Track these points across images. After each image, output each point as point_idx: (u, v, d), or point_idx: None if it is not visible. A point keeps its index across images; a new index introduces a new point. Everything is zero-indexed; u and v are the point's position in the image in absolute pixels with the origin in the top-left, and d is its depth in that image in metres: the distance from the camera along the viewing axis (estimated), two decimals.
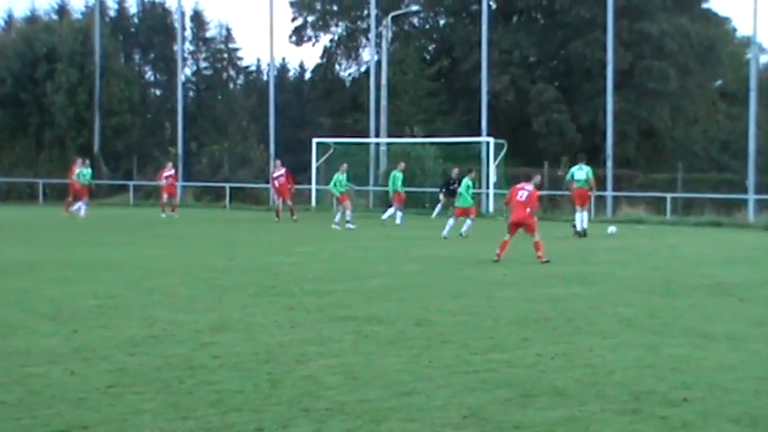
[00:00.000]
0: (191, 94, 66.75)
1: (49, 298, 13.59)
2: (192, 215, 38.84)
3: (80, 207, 36.98)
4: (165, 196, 39.55)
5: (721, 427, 7.11)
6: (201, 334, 10.79)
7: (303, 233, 29.85)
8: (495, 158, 42.37)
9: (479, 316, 12.42)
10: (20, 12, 73.50)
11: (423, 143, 47.16)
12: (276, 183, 36.93)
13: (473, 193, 29.47)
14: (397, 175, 35.56)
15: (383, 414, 7.32)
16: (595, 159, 49.21)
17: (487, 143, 43.32)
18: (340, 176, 33.50)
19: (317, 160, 46.72)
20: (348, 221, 32.21)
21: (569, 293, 14.92)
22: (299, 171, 47.04)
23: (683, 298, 14.57)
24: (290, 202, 36.93)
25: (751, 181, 39.15)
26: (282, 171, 36.99)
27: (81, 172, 38.15)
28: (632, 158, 55.73)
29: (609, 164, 42.86)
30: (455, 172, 37.40)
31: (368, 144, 48.92)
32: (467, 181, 29.02)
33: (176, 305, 13.03)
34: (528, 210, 20.29)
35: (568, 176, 30.39)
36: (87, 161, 39.84)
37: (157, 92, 70.48)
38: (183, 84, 59.05)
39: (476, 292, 14.99)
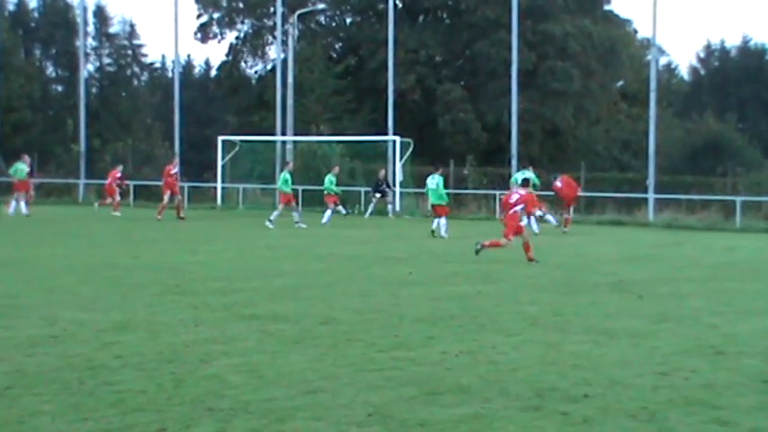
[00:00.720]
0: (94, 90, 65.73)
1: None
2: (95, 213, 38.17)
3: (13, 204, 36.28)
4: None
5: (620, 422, 7.25)
6: (104, 333, 10.62)
7: (209, 232, 29.59)
8: (402, 157, 42.57)
9: (385, 314, 12.46)
10: None
11: (329, 141, 47.16)
12: (171, 179, 36.22)
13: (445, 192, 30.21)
14: (332, 179, 34.86)
15: (288, 413, 7.30)
16: (500, 159, 49.94)
17: (394, 142, 43.51)
18: (287, 175, 33.18)
19: (223, 158, 46.34)
20: (298, 221, 31.80)
21: (474, 291, 15.07)
22: (204, 169, 46.67)
23: (585, 295, 14.83)
24: (179, 198, 36.76)
25: (651, 180, 40.03)
26: (177, 169, 36.96)
27: (17, 167, 37.40)
28: (537, 157, 56.47)
29: (513, 163, 43.37)
30: (382, 173, 37.50)
31: (274, 142, 48.71)
32: (440, 179, 29.41)
33: (78, 304, 12.81)
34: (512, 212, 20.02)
35: (513, 180, 30.55)
36: (26, 156, 38.55)
37: (59, 88, 69.23)
38: (86, 80, 58.11)
39: (382, 290, 15.04)
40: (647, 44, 63.77)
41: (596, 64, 59.17)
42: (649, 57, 50.73)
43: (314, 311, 12.55)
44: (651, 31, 64.26)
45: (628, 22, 66.63)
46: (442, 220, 28.65)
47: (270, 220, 31.53)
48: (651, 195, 39.79)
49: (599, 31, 58.84)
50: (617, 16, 64.35)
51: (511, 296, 14.58)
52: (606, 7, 63.54)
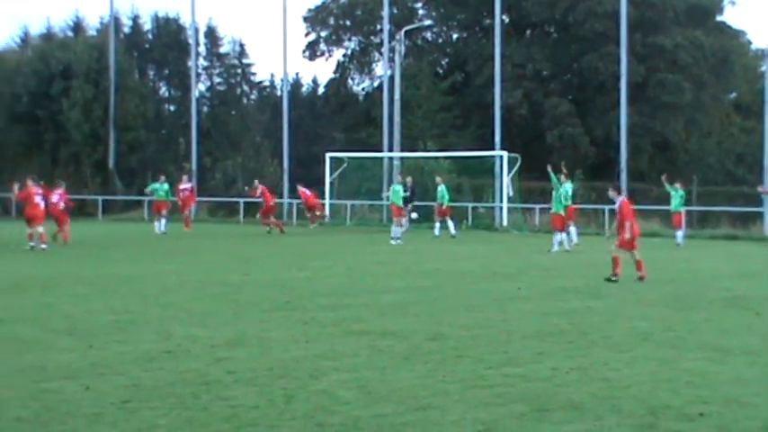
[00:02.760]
0: (205, 109, 66.93)
1: (65, 314, 13.63)
2: (206, 230, 38.89)
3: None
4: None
5: None
6: (216, 349, 10.80)
7: (317, 248, 29.86)
8: (509, 172, 42.35)
9: (494, 330, 12.40)
10: (36, 29, 73.93)
11: (436, 157, 47.18)
12: (181, 194, 37.94)
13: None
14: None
15: (398, 429, 7.31)
16: (609, 173, 49.23)
17: (501, 157, 43.31)
18: (396, 186, 33.38)
19: (331, 175, 46.75)
20: (394, 237, 31.65)
21: (584, 307, 14.88)
22: (312, 185, 47.11)
23: (699, 311, 14.51)
24: (187, 212, 38.91)
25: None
26: (189, 185, 39.63)
27: (155, 187, 38.51)
28: (646, 172, 55.56)
29: (623, 177, 42.76)
30: (409, 179, 37.41)
31: (381, 158, 48.95)
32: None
33: (191, 320, 13.06)
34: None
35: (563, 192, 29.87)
36: (163, 177, 39.52)
37: (171, 107, 70.71)
38: (197, 99, 59.21)
39: (490, 305, 14.97)
40: (762, 55, 62.21)
41: (708, 75, 57.98)
42: (764, 68, 49.49)
43: (422, 327, 12.55)
44: (766, 41, 62.66)
45: (741, 33, 65.10)
46: (572, 228, 28.64)
47: (395, 238, 31.29)
48: (767, 209, 38.77)
49: (711, 42, 57.64)
50: (730, 27, 62.91)
51: (621, 312, 14.36)
52: (719, 18, 62.23)
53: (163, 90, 70.92)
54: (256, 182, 40.93)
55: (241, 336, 11.73)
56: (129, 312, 13.82)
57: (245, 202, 49.13)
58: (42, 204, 28.51)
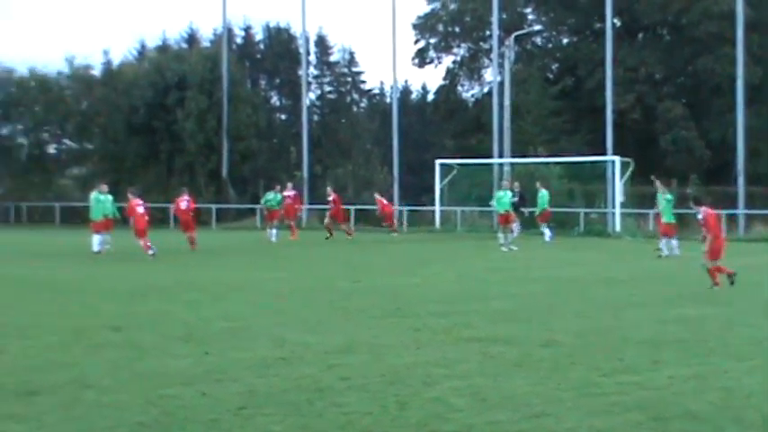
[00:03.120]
0: (315, 117, 67.58)
1: (181, 320, 13.90)
2: (317, 238, 39.23)
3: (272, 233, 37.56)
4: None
5: None
6: (329, 355, 10.87)
7: (427, 254, 29.86)
8: (622, 177, 41.69)
9: (607, 337, 12.20)
10: (152, 41, 75.69)
11: (547, 163, 46.73)
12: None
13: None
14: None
15: None
16: (725, 177, 48.08)
17: (613, 162, 42.68)
18: (500, 192, 32.92)
19: (441, 181, 46.73)
20: (503, 244, 31.22)
21: (700, 314, 14.54)
22: (422, 192, 47.14)
23: None
24: (291, 221, 38.77)
25: None
26: (292, 193, 39.15)
27: (269, 197, 39.06)
28: (765, 175, 54.08)
29: (740, 181, 41.71)
30: (517, 186, 36.93)
31: (491, 165, 48.72)
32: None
33: (303, 327, 13.18)
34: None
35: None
36: (278, 187, 39.89)
37: (283, 116, 71.59)
38: (308, 108, 59.87)
39: (603, 312, 14.75)
40: None
41: None
42: None
43: (534, 334, 12.43)
44: None
45: None
46: (673, 242, 28.12)
47: (505, 245, 30.96)
48: None
49: None
50: None
51: (740, 319, 13.99)
52: None
53: (274, 99, 71.87)
54: (328, 189, 41.35)
55: (353, 342, 11.79)
56: (242, 319, 14.02)
57: (355, 210, 49.41)
58: (145, 215, 29.60)
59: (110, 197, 32.11)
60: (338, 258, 28.05)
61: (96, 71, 65.88)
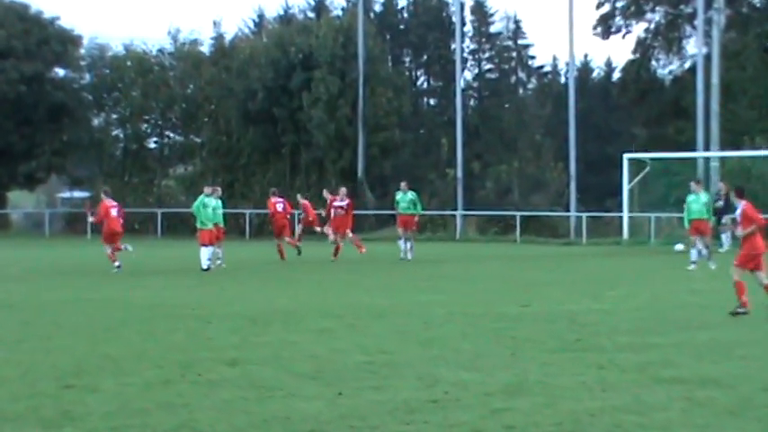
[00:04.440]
0: (472, 102, 67.67)
1: (309, 353, 14.08)
2: (475, 251, 39.27)
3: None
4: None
5: None
6: (491, 398, 10.85)
7: (613, 272, 29.54)
8: None
9: None
10: (272, 11, 77.10)
11: (767, 156, 45.65)
12: (333, 212, 35.66)
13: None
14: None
15: None
16: None
17: None
18: (691, 197, 30.81)
19: (630, 181, 46.13)
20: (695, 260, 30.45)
21: None
22: (606, 194, 46.68)
23: None
24: (347, 237, 36.37)
25: None
26: (345, 203, 36.27)
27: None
28: None
29: None
30: (722, 187, 35.89)
31: (695, 159, 47.86)
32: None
33: (460, 362, 13.18)
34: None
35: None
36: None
37: (431, 101, 71.95)
38: (463, 90, 59.96)
39: None
40: None
41: None
42: None
43: (753, 374, 12.17)
44: None
45: None
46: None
47: (699, 261, 30.35)
48: None
49: None
50: None
51: None
52: None
53: (421, 80, 72.29)
54: (299, 196, 41.28)
55: (521, 382, 11.74)
56: (384, 352, 14.11)
57: (521, 217, 49.27)
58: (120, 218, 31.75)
59: (219, 202, 32.71)
60: (503, 277, 28.02)
61: (205, 48, 67.27)
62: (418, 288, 24.69)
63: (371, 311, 19.29)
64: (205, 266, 30.43)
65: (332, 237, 35.60)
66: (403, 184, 36.74)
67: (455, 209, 53.91)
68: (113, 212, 31.71)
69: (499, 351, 14.20)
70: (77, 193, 73.82)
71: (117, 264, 30.56)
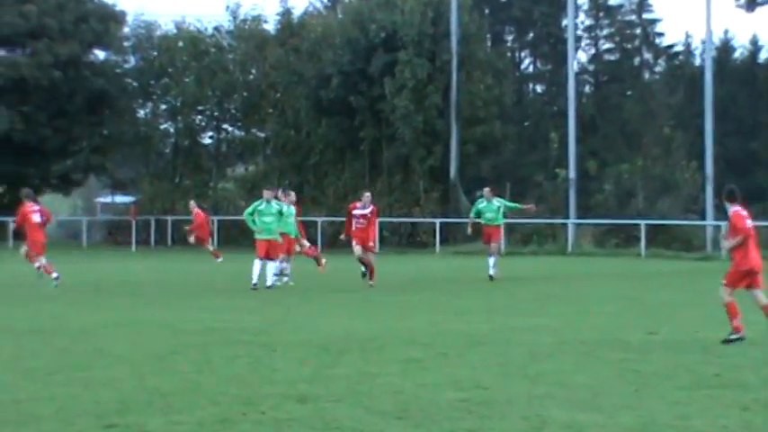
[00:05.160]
0: (587, 89, 67.35)
1: (392, 388, 14.08)
2: (591, 267, 39.07)
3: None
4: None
5: None
6: None
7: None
8: None
9: None
10: None
11: None
12: (354, 222, 34.85)
13: None
14: None
15: None
16: None
17: None
18: None
19: None
20: None
21: None
22: (749, 200, 46.05)
23: None
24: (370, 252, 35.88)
25: None
26: (368, 210, 35.25)
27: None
28: None
29: None
30: None
31: None
32: None
33: (573, 400, 13.12)
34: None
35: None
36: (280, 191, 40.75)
37: (539, 88, 71.73)
38: (577, 75, 59.67)
39: None
40: None
41: None
42: None
43: None
44: None
45: None
46: None
47: None
48: None
49: None
50: None
51: None
52: None
53: (526, 63, 72.10)
54: (192, 202, 44.50)
55: (647, 424, 11.66)
56: (481, 387, 14.08)
57: (646, 226, 48.93)
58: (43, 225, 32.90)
59: (291, 209, 32.86)
60: (625, 298, 27.83)
61: (270, 26, 67.57)
62: (521, 311, 24.62)
63: (465, 339, 19.26)
64: (269, 284, 30.63)
65: (357, 251, 34.06)
66: (486, 191, 36.28)
67: (566, 217, 53.67)
68: (36, 218, 32.81)
69: (621, 387, 14.11)
70: (120, 198, 74.57)
71: (55, 275, 32.16)
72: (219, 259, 43.96)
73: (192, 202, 46.77)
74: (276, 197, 32.82)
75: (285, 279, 32.01)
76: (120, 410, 12.45)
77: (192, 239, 46.06)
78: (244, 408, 12.64)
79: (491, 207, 35.95)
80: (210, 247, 47.07)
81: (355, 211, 33.40)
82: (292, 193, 34.22)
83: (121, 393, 13.56)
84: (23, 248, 33.59)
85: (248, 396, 13.39)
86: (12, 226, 57.82)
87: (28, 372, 15.31)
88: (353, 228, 33.18)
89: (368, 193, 34.93)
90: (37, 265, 32.80)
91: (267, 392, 13.68)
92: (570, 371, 15.49)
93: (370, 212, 33.39)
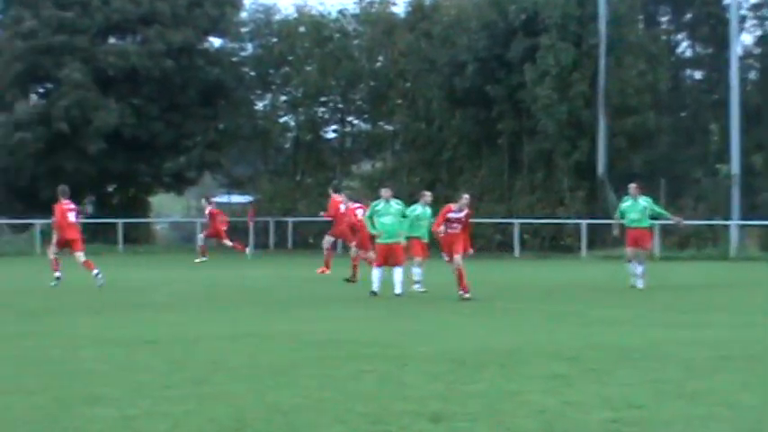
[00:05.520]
0: (752, 75, 66.45)
1: (535, 407, 14.01)
2: (758, 274, 38.62)
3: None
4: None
5: None
6: None
7: None
8: None
9: None
10: None
11: None
12: (445, 226, 33.67)
13: None
14: None
15: None
16: None
17: None
18: None
19: None
20: None
21: None
22: None
23: None
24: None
25: None
26: (465, 212, 34.17)
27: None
28: None
29: None
30: None
31: None
32: None
33: (738, 423, 12.96)
34: None
35: None
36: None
37: (697, 74, 70.92)
38: (740, 59, 58.91)
39: None
40: None
41: None
42: None
43: None
44: None
45: None
46: None
47: None
48: None
49: None
50: None
51: None
52: None
53: (683, 47, 71.27)
54: (203, 200, 47.52)
55: None
56: (634, 407, 13.96)
57: None
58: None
59: (426, 210, 32.96)
60: None
61: (399, 8, 67.62)
62: (678, 322, 24.42)
63: (616, 353, 19.13)
64: (399, 291, 30.79)
65: (448, 259, 33.18)
66: (632, 187, 35.09)
67: (729, 217, 53.08)
68: (71, 217, 34.67)
69: None
70: (236, 198, 75.12)
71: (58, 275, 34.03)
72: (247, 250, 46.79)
73: (204, 200, 49.02)
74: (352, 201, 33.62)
75: (416, 286, 32.04)
76: (237, 428, 12.55)
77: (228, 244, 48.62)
78: (372, 427, 12.67)
79: (636, 207, 35.03)
80: (229, 243, 50.70)
81: (450, 214, 32.12)
82: (428, 194, 34.18)
83: (239, 410, 13.66)
84: (79, 256, 34.61)
85: (376, 414, 13.41)
86: (121, 227, 59.03)
87: (140, 386, 15.48)
88: (445, 233, 31.79)
89: (467, 195, 33.61)
90: (96, 271, 34.06)
91: (397, 410, 13.69)
92: (734, 389, 15.29)
93: (465, 216, 32.30)
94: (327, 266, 41.18)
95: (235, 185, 73.74)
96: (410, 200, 34.67)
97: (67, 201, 34.51)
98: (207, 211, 51.74)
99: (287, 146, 70.39)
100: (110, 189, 72.63)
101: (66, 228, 34.18)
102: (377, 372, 17.02)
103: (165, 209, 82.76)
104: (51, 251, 34.50)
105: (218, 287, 36.74)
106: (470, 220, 32.91)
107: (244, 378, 16.45)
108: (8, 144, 64.78)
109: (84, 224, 44.10)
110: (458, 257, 30.87)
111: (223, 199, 77.83)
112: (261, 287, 34.53)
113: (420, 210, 32.41)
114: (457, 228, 31.65)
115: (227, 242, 50.73)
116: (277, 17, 69.42)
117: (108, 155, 65.19)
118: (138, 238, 65.81)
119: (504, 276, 37.75)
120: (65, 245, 34.43)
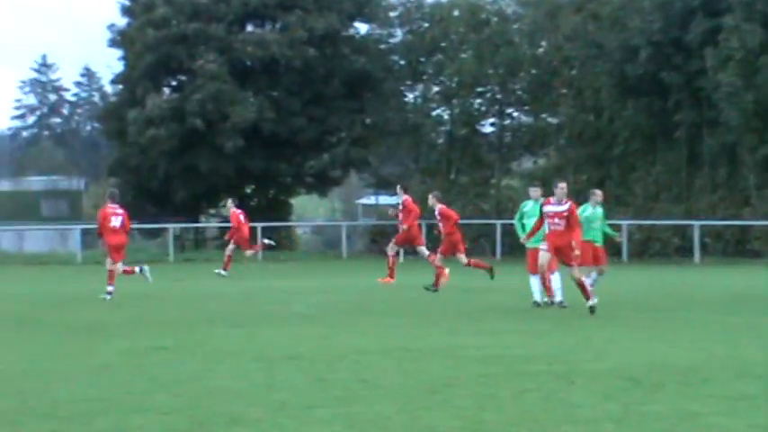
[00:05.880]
0: None
1: (719, 430, 13.90)
2: None
3: None
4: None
5: None
6: None
7: None
8: None
9: None
10: None
11: None
12: (547, 223, 32.13)
13: None
14: None
15: None
16: None
17: None
18: None
19: None
20: None
21: None
22: None
23: None
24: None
25: None
26: (568, 205, 32.77)
27: None
28: None
29: None
30: None
31: None
32: None
33: None
34: None
35: None
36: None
37: None
38: None
39: None
40: None
41: None
42: None
43: None
44: None
45: None
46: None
47: None
48: None
49: None
50: None
51: None
52: None
53: None
54: (230, 201, 48.11)
55: None
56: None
57: None
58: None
59: (599, 210, 32.56)
60: None
61: None
62: None
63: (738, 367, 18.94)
64: (536, 299, 30.73)
65: (543, 260, 31.19)
66: None
67: None
68: (115, 222, 34.96)
69: None
70: (384, 199, 75.22)
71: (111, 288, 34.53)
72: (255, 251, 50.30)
73: (230, 201, 49.15)
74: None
75: (557, 298, 31.77)
76: None
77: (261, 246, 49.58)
78: None
79: None
80: (249, 252, 50.72)
81: (547, 208, 29.45)
82: (599, 192, 33.43)
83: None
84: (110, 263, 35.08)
85: None
86: (260, 231, 59.43)
87: (282, 405, 15.59)
88: (549, 230, 29.26)
89: (563, 184, 30.15)
90: (111, 288, 34.65)
91: None
92: None
93: (568, 210, 29.18)
94: (391, 275, 41.32)
95: (383, 185, 73.80)
96: (577, 200, 34.22)
97: (114, 205, 35.18)
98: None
99: (440, 141, 70.47)
100: (248, 190, 73.33)
101: (111, 234, 34.75)
102: (542, 391, 16.97)
103: (308, 211, 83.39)
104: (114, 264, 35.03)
105: (366, 297, 36.86)
106: (575, 215, 29.47)
107: (395, 397, 16.47)
108: (139, 142, 65.76)
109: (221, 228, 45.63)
110: (575, 272, 28.79)
111: (370, 200, 78.18)
112: (411, 297, 34.57)
113: (590, 210, 31.84)
114: (560, 224, 28.92)
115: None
116: (429, 1, 69.55)
117: (246, 153, 65.85)
118: (278, 243, 66.25)
119: (683, 284, 37.46)
120: (109, 251, 35.01)
